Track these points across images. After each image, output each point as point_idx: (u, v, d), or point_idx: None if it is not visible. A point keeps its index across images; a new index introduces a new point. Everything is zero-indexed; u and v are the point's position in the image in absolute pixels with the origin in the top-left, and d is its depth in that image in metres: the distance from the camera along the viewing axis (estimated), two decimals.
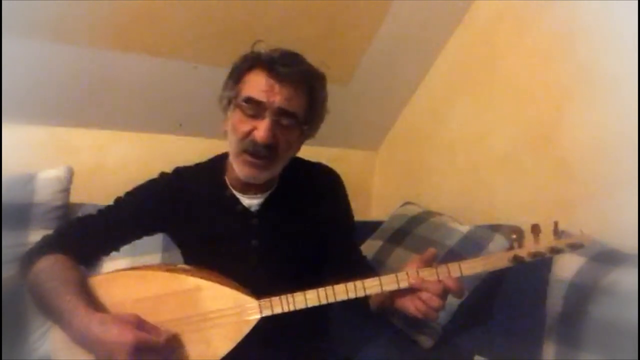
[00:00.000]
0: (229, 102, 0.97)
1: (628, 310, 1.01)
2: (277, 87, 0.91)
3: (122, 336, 0.78)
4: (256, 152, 0.93)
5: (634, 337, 0.97)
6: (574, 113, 1.44)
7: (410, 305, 0.88)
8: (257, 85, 0.92)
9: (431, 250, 0.90)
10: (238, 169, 0.96)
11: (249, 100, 0.92)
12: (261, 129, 0.90)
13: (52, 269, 0.90)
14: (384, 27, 1.80)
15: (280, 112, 0.92)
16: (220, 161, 1.05)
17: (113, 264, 1.18)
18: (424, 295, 0.85)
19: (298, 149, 1.03)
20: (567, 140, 1.45)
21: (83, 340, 0.82)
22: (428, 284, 0.85)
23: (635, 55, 1.25)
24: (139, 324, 0.82)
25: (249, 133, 0.93)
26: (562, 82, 1.48)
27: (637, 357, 0.95)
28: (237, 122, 0.94)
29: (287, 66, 0.91)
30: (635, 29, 1.26)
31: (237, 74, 0.97)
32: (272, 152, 0.94)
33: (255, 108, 0.92)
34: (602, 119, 1.36)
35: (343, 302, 0.87)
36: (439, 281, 0.84)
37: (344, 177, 1.15)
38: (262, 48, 0.96)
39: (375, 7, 1.73)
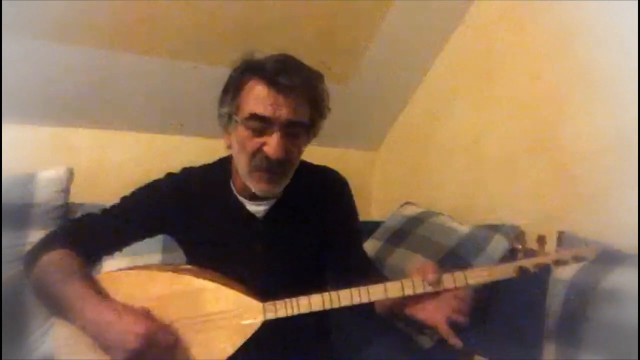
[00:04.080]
0: (229, 118, 0.94)
1: (628, 310, 1.01)
2: (281, 99, 0.88)
3: (136, 325, 0.79)
4: (270, 169, 0.90)
5: (634, 337, 0.97)
6: (574, 113, 1.43)
7: (424, 313, 0.89)
8: (259, 99, 0.88)
9: (428, 267, 0.89)
10: (253, 185, 0.94)
11: (254, 116, 0.88)
12: (272, 145, 0.88)
13: (59, 261, 0.90)
14: (384, 27, 1.80)
15: (289, 124, 0.89)
16: (226, 164, 1.03)
17: (113, 263, 1.17)
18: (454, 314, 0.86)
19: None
20: (567, 140, 1.45)
21: (94, 327, 0.82)
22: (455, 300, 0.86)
23: (635, 55, 1.25)
24: (149, 316, 0.83)
25: (258, 149, 0.90)
26: (562, 82, 1.48)
27: (637, 357, 0.95)
28: (245, 140, 0.90)
29: (288, 76, 0.87)
30: (635, 29, 1.26)
31: (234, 88, 0.93)
32: (286, 164, 0.92)
33: (261, 124, 0.88)
34: (601, 119, 1.36)
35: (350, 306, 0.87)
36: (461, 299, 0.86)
37: None
38: (255, 56, 0.93)
39: (375, 7, 1.73)
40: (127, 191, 1.06)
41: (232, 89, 0.93)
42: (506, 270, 0.87)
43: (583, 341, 1.06)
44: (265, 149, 0.89)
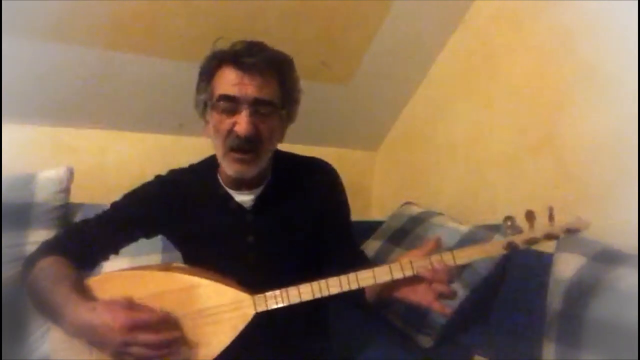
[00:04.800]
0: (205, 105, 0.97)
1: (628, 310, 1.01)
2: (246, 78, 0.91)
3: (114, 319, 0.78)
4: (241, 147, 0.93)
5: (634, 337, 0.97)
6: (574, 113, 1.44)
7: (416, 296, 0.89)
8: (227, 81, 0.92)
9: (433, 242, 0.89)
10: (227, 167, 0.97)
11: (223, 97, 0.92)
12: (241, 123, 0.91)
13: (49, 268, 0.91)
14: (384, 27, 1.80)
15: (256, 102, 0.92)
16: (212, 160, 1.05)
17: (113, 264, 1.17)
18: (439, 286, 0.86)
19: (281, 137, 1.03)
20: (567, 140, 1.45)
21: (76, 330, 0.82)
22: (437, 274, 0.85)
23: (635, 55, 1.26)
24: (130, 305, 0.82)
25: (230, 130, 0.93)
26: (562, 82, 1.48)
27: (637, 357, 0.95)
28: (217, 122, 0.94)
29: (252, 56, 0.91)
30: (635, 29, 1.26)
31: (207, 76, 0.97)
32: (257, 143, 0.94)
33: (230, 104, 0.92)
34: (602, 119, 1.36)
35: (340, 295, 0.87)
36: (445, 269, 0.85)
37: (344, 177, 1.15)
38: (224, 44, 0.96)
39: (375, 7, 1.73)
40: (127, 191, 1.06)
41: (205, 77, 0.97)
42: (495, 248, 0.86)
43: (583, 341, 1.06)
44: (236, 127, 0.92)
